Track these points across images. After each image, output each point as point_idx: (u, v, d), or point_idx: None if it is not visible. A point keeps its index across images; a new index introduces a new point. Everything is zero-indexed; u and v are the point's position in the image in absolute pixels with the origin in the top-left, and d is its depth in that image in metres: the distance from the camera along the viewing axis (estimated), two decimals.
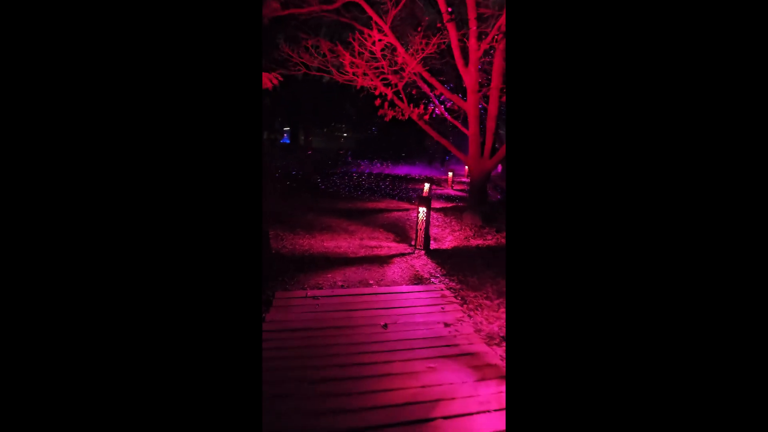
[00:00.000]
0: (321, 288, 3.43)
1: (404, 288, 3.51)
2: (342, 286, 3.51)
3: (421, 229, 4.69)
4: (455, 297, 3.33)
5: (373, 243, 5.02)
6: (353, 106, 22.41)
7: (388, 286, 3.57)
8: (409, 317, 2.90)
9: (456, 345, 2.51)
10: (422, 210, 4.65)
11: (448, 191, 10.71)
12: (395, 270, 4.03)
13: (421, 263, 4.29)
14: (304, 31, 6.58)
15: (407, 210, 7.52)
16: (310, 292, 3.27)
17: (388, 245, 4.95)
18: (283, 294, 3.22)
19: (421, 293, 3.38)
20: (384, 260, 4.32)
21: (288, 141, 29.31)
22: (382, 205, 8.00)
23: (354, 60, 5.43)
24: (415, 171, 15.96)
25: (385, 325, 2.76)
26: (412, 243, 5.06)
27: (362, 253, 4.57)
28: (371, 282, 3.65)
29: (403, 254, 4.59)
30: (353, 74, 5.55)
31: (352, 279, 3.70)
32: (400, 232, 5.73)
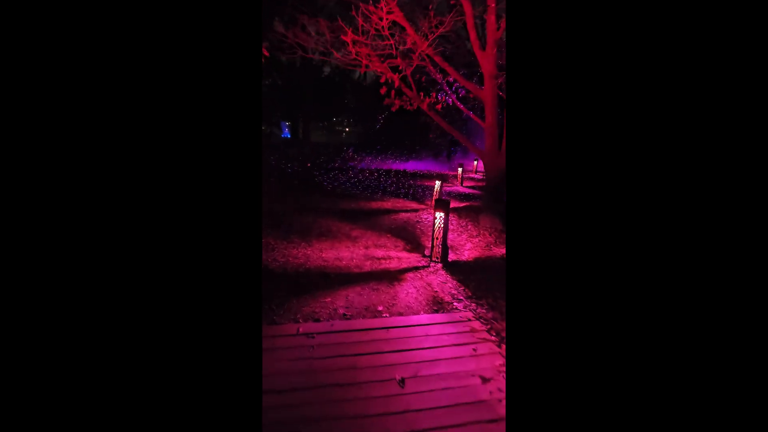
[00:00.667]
0: (318, 320, 2.72)
1: (423, 318, 2.79)
2: (344, 316, 2.80)
3: (438, 239, 3.96)
4: (488, 331, 2.62)
5: (381, 253, 4.30)
6: (355, 97, 21.58)
7: (402, 315, 2.85)
8: (432, 366, 2.19)
9: (502, 418, 1.80)
10: (439, 216, 3.92)
11: (459, 188, 9.96)
12: (409, 290, 3.32)
13: (440, 280, 3.58)
14: (302, 12, 5.81)
15: (416, 210, 6.79)
16: (303, 327, 2.55)
17: (398, 255, 4.24)
18: (270, 330, 2.52)
19: (444, 326, 2.66)
20: (394, 276, 3.60)
21: (288, 135, 28.54)
22: (387, 204, 7.27)
23: (357, 38, 4.66)
24: (420, 166, 15.18)
25: (402, 381, 2.05)
26: (426, 253, 4.33)
27: (368, 266, 3.86)
28: (380, 308, 2.94)
29: (416, 268, 3.87)
30: (356, 54, 4.78)
31: (356, 304, 2.99)
32: (411, 237, 5.01)
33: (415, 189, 9.39)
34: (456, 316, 2.84)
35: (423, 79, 7.40)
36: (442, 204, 3.94)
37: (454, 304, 3.10)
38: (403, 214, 6.48)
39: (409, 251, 4.42)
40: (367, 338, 2.46)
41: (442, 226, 3.93)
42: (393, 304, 3.03)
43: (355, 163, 14.74)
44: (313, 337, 2.43)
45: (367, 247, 4.47)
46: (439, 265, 3.94)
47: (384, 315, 2.85)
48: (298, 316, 2.74)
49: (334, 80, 20.53)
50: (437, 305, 3.06)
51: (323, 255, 4.11)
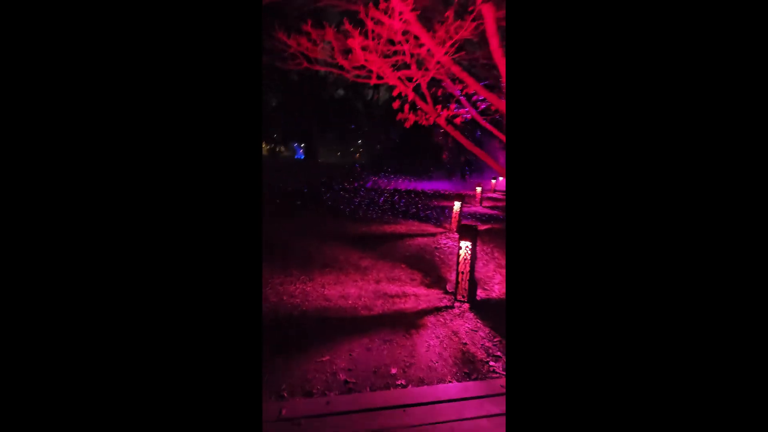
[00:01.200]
0: (310, 393, 2.03)
1: (452, 389, 2.07)
2: (346, 384, 2.10)
3: (464, 273, 3.26)
4: None
5: (395, 288, 3.61)
6: (367, 117, 21.37)
7: (424, 384, 2.14)
8: None
9: None
10: (465, 245, 3.23)
11: (478, 209, 9.25)
12: (430, 342, 2.61)
13: (468, 327, 2.86)
14: (306, 18, 5.38)
15: (434, 235, 6.10)
16: (287, 408, 1.86)
17: (415, 292, 3.54)
18: None
19: (482, 402, 1.94)
20: (411, 321, 2.90)
21: (302, 156, 28.51)
22: (401, 228, 6.60)
23: (366, 42, 4.14)
24: (434, 186, 14.56)
25: None
26: (449, 288, 3.62)
27: (379, 307, 3.17)
28: (394, 371, 2.24)
29: (438, 309, 3.16)
30: (365, 60, 4.25)
31: (362, 364, 2.29)
32: (429, 268, 4.31)
33: (430, 210, 8.72)
34: (496, 385, 2.11)
35: (439, 92, 6.87)
36: (468, 231, 3.26)
37: (491, 363, 2.37)
38: (420, 239, 5.80)
39: (428, 286, 3.72)
40: (377, 425, 1.75)
41: (469, 257, 3.23)
42: (410, 364, 2.32)
43: (366, 183, 14.22)
44: (300, 424, 1.73)
45: (378, 281, 3.78)
46: (466, 306, 3.22)
47: (399, 381, 2.14)
48: (284, 386, 2.05)
49: (345, 98, 20.40)
50: (468, 365, 2.33)
51: (326, 292, 3.44)
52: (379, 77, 5.04)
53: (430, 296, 3.44)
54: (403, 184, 14.81)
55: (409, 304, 3.24)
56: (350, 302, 3.24)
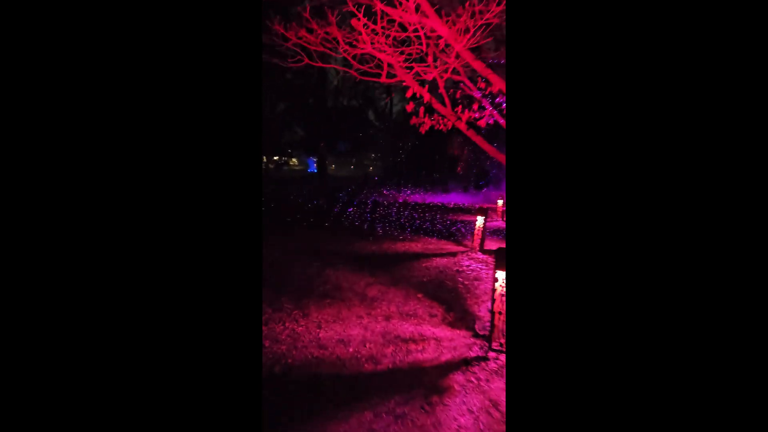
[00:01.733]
0: None
1: None
2: None
3: (500, 314, 2.47)
4: None
5: (409, 328, 2.84)
6: (380, 127, 20.87)
7: None
8: None
9: None
10: (501, 276, 2.45)
11: (500, 224, 8.41)
12: (461, 421, 1.82)
13: None
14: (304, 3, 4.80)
15: (454, 254, 5.31)
16: None
17: (435, 333, 2.76)
18: None
19: None
20: (433, 382, 2.13)
21: (315, 170, 28.17)
22: (416, 246, 5.83)
23: (375, 28, 3.48)
24: (451, 199, 13.77)
25: None
26: (478, 328, 2.84)
27: (389, 357, 2.40)
28: None
29: (467, 362, 2.38)
30: (373, 46, 3.58)
31: None
32: (451, 297, 3.53)
33: (448, 225, 7.94)
34: None
35: (458, 94, 6.18)
36: (504, 256, 2.48)
37: None
38: (438, 259, 5.02)
39: (452, 324, 2.94)
40: None
41: (503, 292, 2.45)
42: None
43: (378, 196, 13.55)
44: None
45: (388, 318, 3.02)
46: (504, 358, 2.43)
47: None
48: None
49: (357, 107, 19.99)
50: None
51: (321, 334, 2.70)
52: (390, 75, 4.38)
53: (456, 341, 2.66)
54: (419, 196, 14.08)
55: (428, 353, 2.47)
56: (351, 350, 2.49)
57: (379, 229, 7.32)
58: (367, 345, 2.56)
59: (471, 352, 2.50)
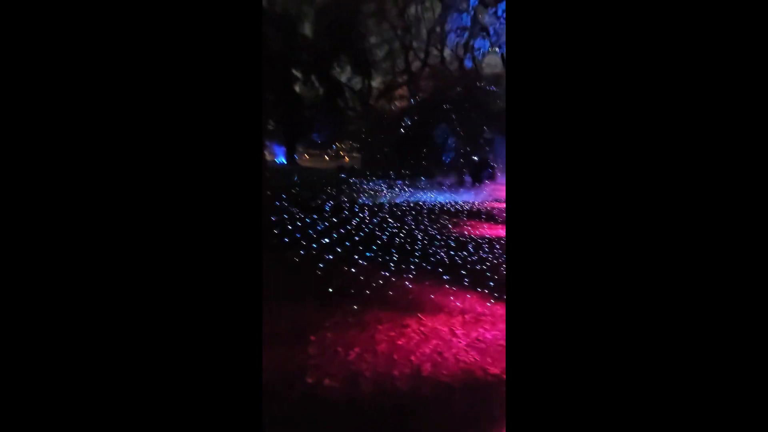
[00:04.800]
0: None
1: None
2: None
3: None
4: None
5: None
6: (355, 107, 17.77)
7: None
8: None
9: None
10: None
11: None
12: None
13: None
14: None
15: (480, 317, 2.43)
16: None
17: None
18: None
19: None
20: None
21: (285, 161, 24.88)
22: (417, 316, 2.97)
23: None
24: (450, 197, 10.88)
25: None
26: None
27: None
28: None
29: None
30: None
31: None
32: None
33: (456, 245, 5.09)
34: None
35: None
36: None
37: None
38: (469, 370, 2.13)
39: None
40: None
41: None
42: None
43: (348, 198, 10.54)
44: None
45: None
46: None
47: None
48: None
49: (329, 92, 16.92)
50: None
51: None
52: None
53: None
54: (403, 195, 11.15)
55: None
56: None
57: (349, 264, 4.37)
58: None
59: None
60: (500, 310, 3.12)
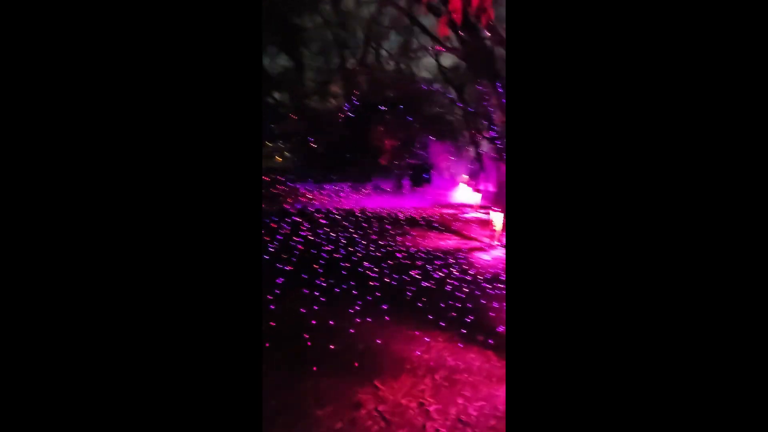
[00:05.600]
0: None
1: None
2: None
3: None
4: None
5: None
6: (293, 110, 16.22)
7: None
8: None
9: None
10: None
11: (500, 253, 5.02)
12: None
13: None
14: None
15: None
16: None
17: None
18: None
19: None
20: None
21: None
22: (359, 393, 2.03)
23: None
24: (392, 203, 10.09)
25: None
26: None
27: None
28: None
29: None
30: None
31: None
32: None
33: (407, 262, 4.29)
34: None
35: None
36: None
37: None
38: None
39: None
40: None
41: None
42: None
43: (288, 204, 9.30)
44: None
45: None
46: None
47: None
48: None
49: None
50: None
51: None
52: None
53: None
54: (344, 201, 10.17)
55: None
56: None
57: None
58: None
59: None
60: (476, 359, 2.33)
